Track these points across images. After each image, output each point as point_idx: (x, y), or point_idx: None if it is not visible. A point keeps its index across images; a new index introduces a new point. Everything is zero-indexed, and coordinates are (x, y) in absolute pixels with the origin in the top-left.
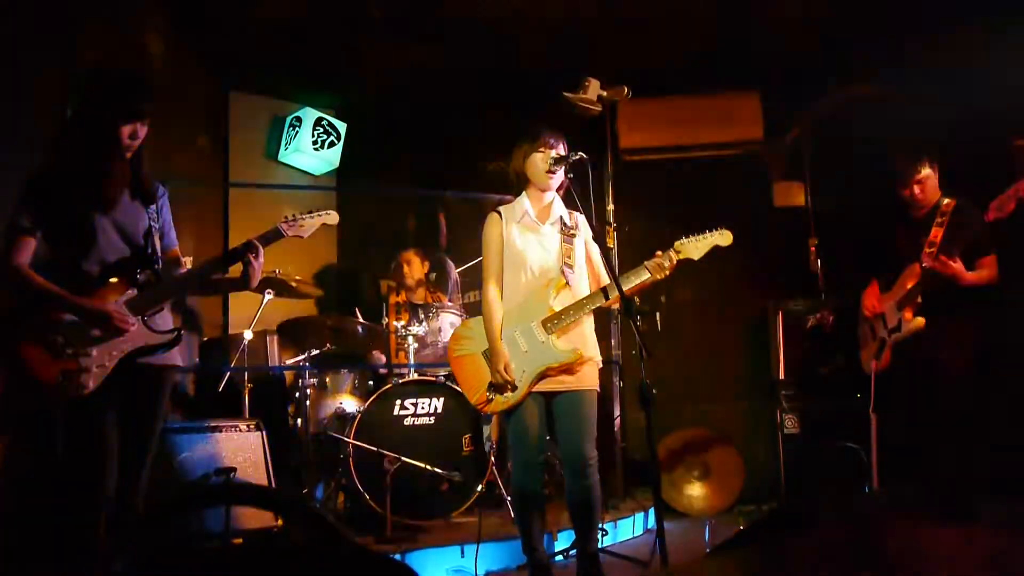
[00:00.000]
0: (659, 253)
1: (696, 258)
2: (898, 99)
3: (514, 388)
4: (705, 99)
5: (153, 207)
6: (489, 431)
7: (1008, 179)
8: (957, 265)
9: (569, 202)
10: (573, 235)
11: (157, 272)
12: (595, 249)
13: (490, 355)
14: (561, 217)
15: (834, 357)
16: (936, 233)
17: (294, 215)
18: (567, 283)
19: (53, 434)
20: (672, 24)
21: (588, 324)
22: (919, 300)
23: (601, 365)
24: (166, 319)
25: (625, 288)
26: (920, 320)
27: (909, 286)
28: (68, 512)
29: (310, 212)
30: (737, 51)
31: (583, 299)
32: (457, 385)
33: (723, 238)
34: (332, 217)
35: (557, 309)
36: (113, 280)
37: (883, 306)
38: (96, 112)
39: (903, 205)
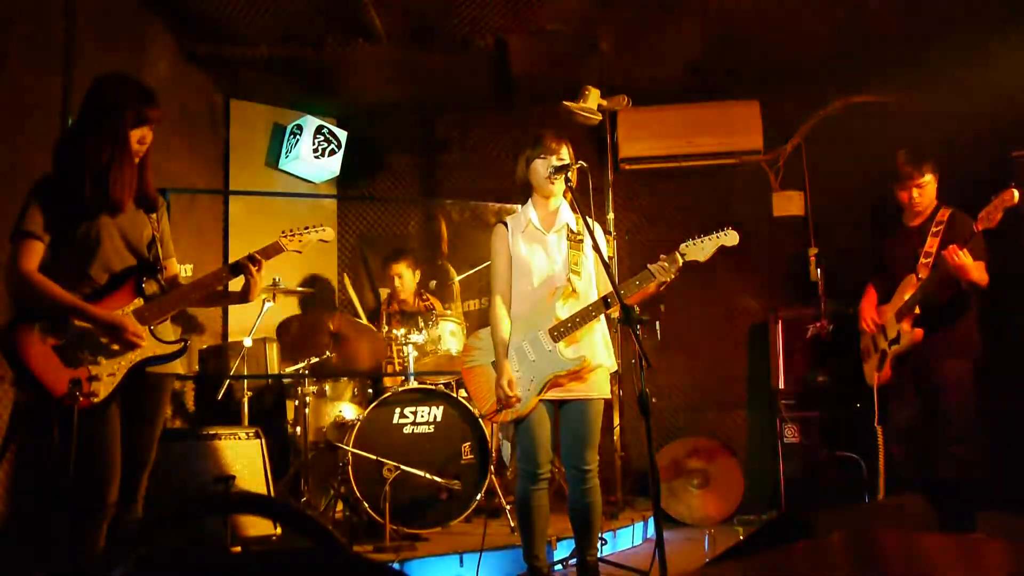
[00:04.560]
0: (663, 256)
1: (702, 260)
2: (897, 109)
3: (518, 402)
4: (705, 108)
5: (154, 215)
6: (497, 441)
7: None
8: (968, 258)
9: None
10: (580, 241)
11: (160, 282)
12: (597, 256)
13: (496, 370)
14: (568, 224)
15: (830, 369)
16: (932, 243)
17: (292, 229)
18: (574, 290)
19: (59, 441)
20: (672, 32)
21: (599, 331)
22: (917, 311)
23: (614, 370)
24: (167, 327)
25: (630, 293)
26: (918, 331)
27: (906, 297)
28: (71, 519)
29: (307, 228)
30: (737, 60)
31: (588, 306)
32: (465, 393)
33: (729, 238)
34: (328, 233)
35: (564, 317)
36: (119, 288)
37: (882, 318)
38: (107, 117)
39: (900, 212)
